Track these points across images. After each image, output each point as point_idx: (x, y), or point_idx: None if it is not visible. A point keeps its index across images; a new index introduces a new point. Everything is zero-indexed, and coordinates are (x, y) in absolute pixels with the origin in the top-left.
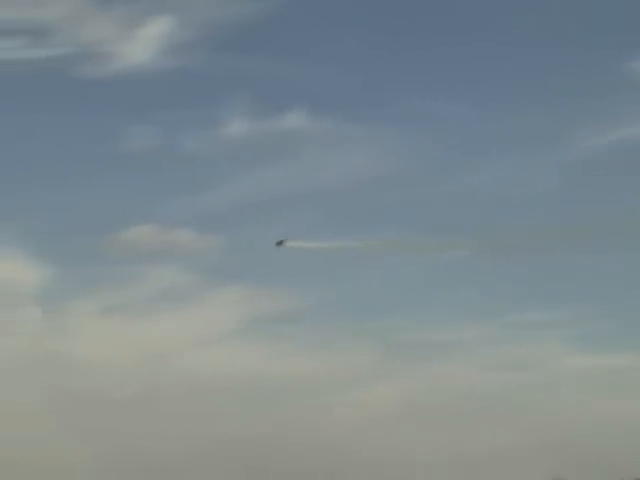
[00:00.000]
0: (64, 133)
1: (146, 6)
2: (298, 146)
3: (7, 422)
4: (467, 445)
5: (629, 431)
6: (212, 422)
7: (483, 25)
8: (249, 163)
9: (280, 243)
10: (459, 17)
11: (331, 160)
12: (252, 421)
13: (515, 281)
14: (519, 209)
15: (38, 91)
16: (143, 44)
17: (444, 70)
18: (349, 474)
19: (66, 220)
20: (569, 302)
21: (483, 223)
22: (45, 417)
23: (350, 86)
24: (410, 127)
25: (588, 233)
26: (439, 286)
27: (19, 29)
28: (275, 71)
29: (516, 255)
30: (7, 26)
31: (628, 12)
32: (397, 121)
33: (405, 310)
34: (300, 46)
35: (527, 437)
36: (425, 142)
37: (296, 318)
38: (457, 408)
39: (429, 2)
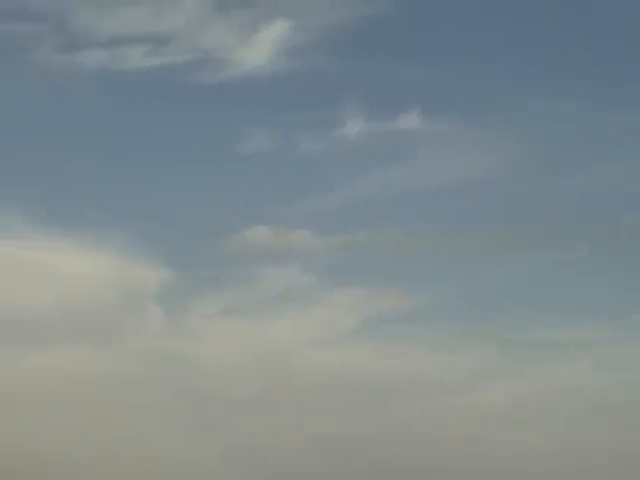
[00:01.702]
0: (184, 137)
1: (262, 11)
2: (413, 147)
3: (129, 421)
4: (580, 450)
5: None
6: (329, 420)
7: (603, 20)
8: (364, 164)
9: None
10: (577, 15)
11: (446, 160)
12: (368, 419)
13: (631, 281)
14: (636, 208)
15: (158, 98)
16: (260, 49)
17: (560, 68)
18: (461, 473)
19: (186, 222)
20: None
21: (600, 222)
22: (168, 415)
23: (465, 86)
24: (526, 126)
25: None
26: (556, 285)
27: (140, 38)
28: (390, 72)
29: (633, 254)
30: (128, 35)
31: None
32: (512, 121)
33: (521, 309)
34: (414, 47)
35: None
36: (541, 141)
37: (412, 318)
38: (574, 410)
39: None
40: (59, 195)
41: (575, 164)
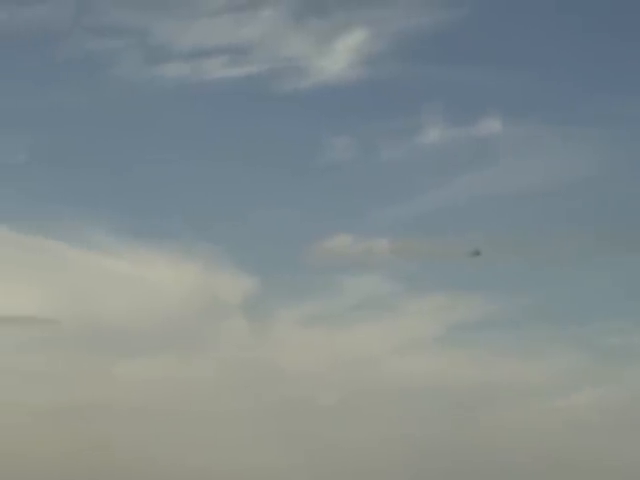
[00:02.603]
0: (265, 148)
1: (340, 19)
2: (494, 152)
3: (216, 429)
4: None
5: None
6: (411, 427)
7: None
8: (445, 171)
9: (476, 254)
10: None
11: (527, 165)
12: (450, 427)
13: None
14: None
15: (238, 109)
16: (338, 57)
17: (630, 66)
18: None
19: (268, 231)
20: None
21: None
22: (254, 423)
23: (544, 90)
24: (607, 127)
25: None
26: (636, 289)
27: (219, 49)
28: (469, 78)
29: None
30: (208, 47)
31: None
32: (592, 122)
33: (609, 314)
34: (493, 52)
35: None
36: (623, 142)
37: (496, 324)
38: None
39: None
40: (144, 207)
41: None
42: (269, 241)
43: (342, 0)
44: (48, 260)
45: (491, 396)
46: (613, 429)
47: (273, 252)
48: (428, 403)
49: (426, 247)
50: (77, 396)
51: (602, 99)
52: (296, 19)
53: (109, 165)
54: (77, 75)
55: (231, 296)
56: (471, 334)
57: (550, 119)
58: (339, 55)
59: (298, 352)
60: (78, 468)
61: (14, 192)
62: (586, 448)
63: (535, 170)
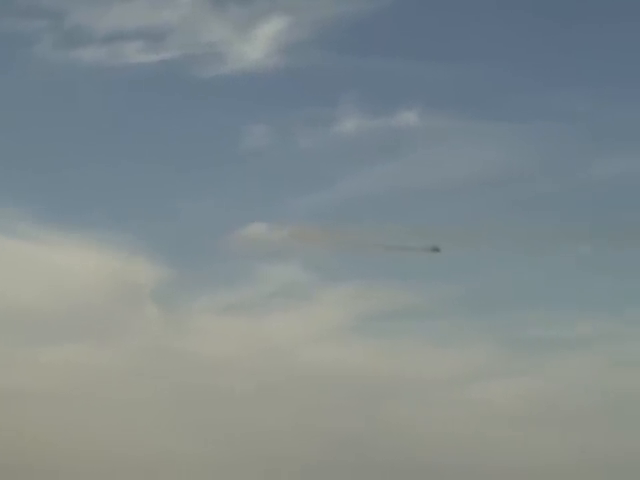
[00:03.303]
0: (182, 134)
1: (260, 7)
2: (410, 143)
3: (130, 416)
4: (586, 445)
5: None
6: (327, 415)
7: (608, 14)
8: (362, 161)
9: (435, 250)
10: (586, 8)
11: (444, 157)
12: (364, 417)
13: (637, 277)
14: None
15: (156, 94)
16: (257, 44)
17: (564, 63)
18: (467, 471)
19: (186, 219)
20: None
21: (604, 219)
22: (168, 411)
23: (462, 83)
24: (526, 123)
25: None
26: (562, 281)
27: (137, 33)
28: (387, 69)
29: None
30: (124, 31)
31: None
32: (511, 117)
33: (525, 306)
34: (412, 44)
35: None
36: (541, 138)
37: (410, 314)
38: (578, 407)
39: None
40: (60, 194)
41: (578, 161)
42: (186, 230)
43: None
44: None
45: (405, 386)
46: (529, 420)
47: (190, 241)
48: (342, 393)
49: (342, 236)
50: None
51: (518, 95)
52: (215, 5)
53: (22, 149)
54: None
55: (147, 284)
56: (386, 324)
57: (467, 112)
58: (258, 42)
59: (214, 340)
60: None
61: None
62: (501, 439)
63: (451, 162)
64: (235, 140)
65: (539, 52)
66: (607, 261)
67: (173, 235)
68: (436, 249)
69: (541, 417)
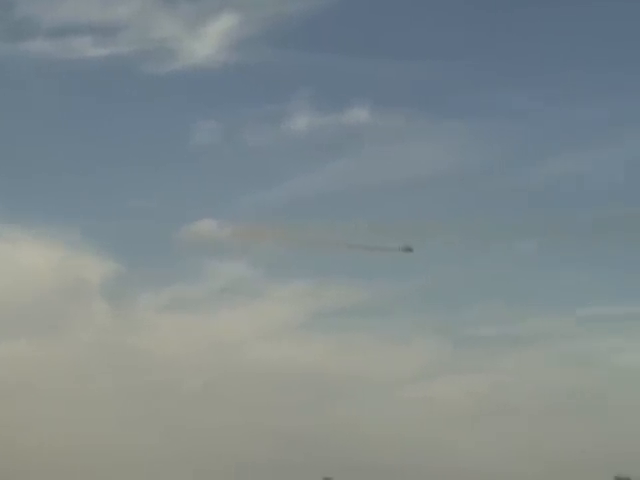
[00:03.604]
0: (131, 129)
1: (210, 4)
2: (361, 141)
3: (76, 413)
4: (532, 442)
5: None
6: (276, 413)
7: (559, 16)
8: (312, 158)
9: (408, 250)
10: (526, 10)
11: (394, 156)
12: (313, 415)
13: (586, 275)
14: (587, 202)
15: (105, 88)
16: (208, 41)
17: (512, 62)
18: (414, 469)
19: (132, 214)
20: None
21: (551, 216)
22: (115, 407)
23: (413, 80)
24: (476, 121)
25: None
26: (509, 279)
27: (87, 27)
28: (338, 66)
29: (586, 249)
30: (75, 25)
31: None
32: (462, 115)
33: (474, 303)
34: (363, 41)
35: (594, 434)
36: (491, 136)
37: (360, 312)
38: (525, 405)
39: None
40: (7, 190)
41: (527, 160)
42: (136, 226)
43: None
44: None
45: (354, 385)
46: (477, 417)
47: (139, 237)
48: (291, 391)
49: (292, 233)
50: None
51: (468, 93)
52: (166, 1)
53: None
54: None
55: (95, 280)
56: (336, 322)
57: (417, 110)
58: (209, 39)
59: (161, 336)
60: None
61: None
62: (449, 436)
63: (400, 160)
64: (185, 137)
65: (490, 51)
66: (556, 258)
67: (123, 231)
68: (409, 249)
69: (488, 414)
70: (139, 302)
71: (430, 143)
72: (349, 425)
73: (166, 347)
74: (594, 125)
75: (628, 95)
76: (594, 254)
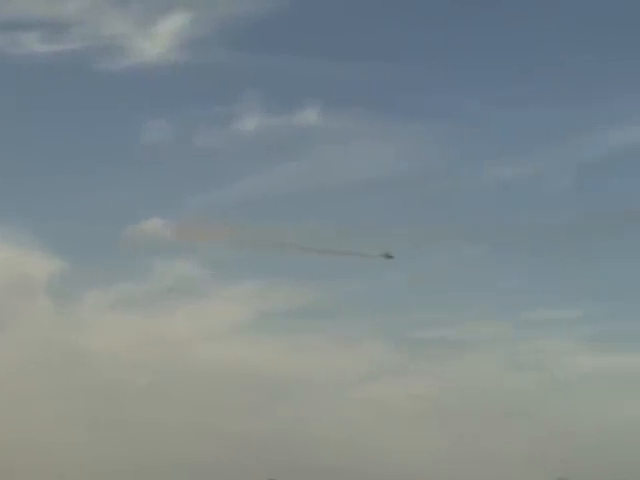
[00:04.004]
0: (79, 126)
1: (161, 2)
2: (311, 143)
3: (17, 409)
4: (476, 444)
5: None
6: (222, 415)
7: (501, 19)
8: (261, 159)
9: (389, 256)
10: (480, 14)
11: (342, 158)
12: (262, 415)
13: (531, 279)
14: (535, 206)
15: (55, 84)
16: (158, 40)
17: (461, 65)
18: (361, 471)
19: (80, 212)
20: (586, 300)
21: (499, 220)
22: (58, 406)
23: (364, 83)
24: (426, 124)
25: (604, 232)
26: (454, 283)
27: (37, 23)
28: (289, 67)
29: (532, 253)
30: (25, 20)
31: None
32: (412, 117)
33: (419, 307)
34: (313, 42)
35: (536, 436)
36: (441, 139)
37: (307, 314)
38: (470, 407)
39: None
40: None
41: (475, 163)
42: (81, 222)
43: None
44: None
45: (303, 386)
46: (421, 418)
47: (86, 235)
48: (240, 391)
49: (241, 234)
50: None
51: (416, 95)
52: None
53: None
54: None
55: (41, 277)
56: (285, 323)
57: (366, 112)
58: (159, 38)
59: (107, 335)
60: None
61: None
62: (394, 437)
63: (349, 162)
64: (134, 135)
65: (442, 54)
66: (501, 263)
67: (69, 229)
68: (389, 256)
69: (433, 416)
70: (85, 300)
71: (380, 145)
72: (295, 426)
73: (112, 346)
74: (544, 130)
75: (579, 100)
76: (539, 259)
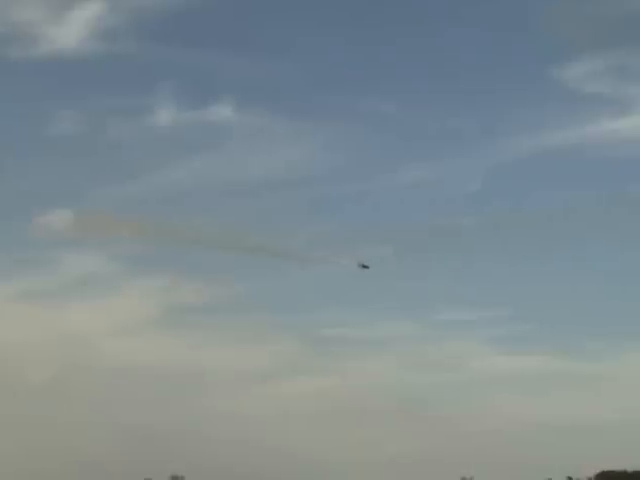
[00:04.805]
0: None
1: None
2: (224, 138)
3: None
4: (380, 444)
5: (541, 432)
6: (127, 408)
7: (414, 25)
8: (173, 153)
9: (364, 267)
10: (391, 15)
11: (256, 155)
12: (166, 411)
13: (436, 280)
14: (442, 209)
15: None
16: (71, 28)
17: (376, 67)
18: (262, 467)
19: None
20: (489, 303)
21: (406, 221)
22: None
23: (280, 81)
24: (339, 124)
25: (509, 235)
26: (361, 283)
27: None
28: (204, 62)
29: (439, 254)
30: None
31: (555, 20)
32: (325, 117)
33: (326, 306)
34: (230, 38)
35: (440, 436)
36: (355, 139)
37: (215, 309)
38: (374, 406)
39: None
40: None
41: (383, 164)
42: None
43: None
44: None
45: (207, 381)
46: (325, 417)
47: None
48: (145, 387)
49: (149, 229)
50: None
51: (331, 94)
52: None
53: None
54: None
55: None
56: (192, 318)
57: (280, 110)
58: (73, 26)
59: (9, 327)
60: None
61: None
62: (297, 435)
63: (264, 161)
64: (43, 125)
65: (357, 55)
66: (410, 265)
67: None
68: (365, 266)
69: (337, 414)
70: None
71: (293, 144)
72: (199, 423)
73: (14, 338)
74: (454, 134)
75: (493, 106)
76: (445, 260)
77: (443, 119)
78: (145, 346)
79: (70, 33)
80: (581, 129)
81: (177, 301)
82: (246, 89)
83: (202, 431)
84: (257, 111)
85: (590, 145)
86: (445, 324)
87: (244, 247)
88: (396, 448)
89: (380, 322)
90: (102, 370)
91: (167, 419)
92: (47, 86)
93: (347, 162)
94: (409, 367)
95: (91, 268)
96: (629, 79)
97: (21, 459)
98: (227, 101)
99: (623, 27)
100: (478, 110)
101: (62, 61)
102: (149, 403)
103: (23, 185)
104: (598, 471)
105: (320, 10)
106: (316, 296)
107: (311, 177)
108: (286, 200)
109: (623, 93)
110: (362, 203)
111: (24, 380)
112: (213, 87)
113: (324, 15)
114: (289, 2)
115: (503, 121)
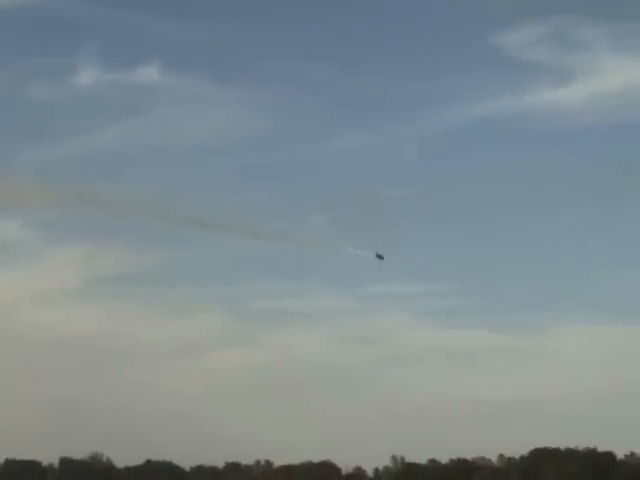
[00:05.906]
0: None
1: None
2: (151, 101)
3: None
4: (313, 416)
5: (475, 409)
6: (48, 380)
7: None
8: (97, 116)
9: (380, 257)
10: None
11: (184, 118)
12: (89, 384)
13: (370, 252)
14: (379, 178)
15: None
16: None
17: (315, 30)
18: (192, 442)
19: None
20: (424, 275)
21: (342, 190)
22: None
23: (211, 44)
24: (273, 87)
25: (445, 205)
26: (292, 254)
27: None
28: (131, 22)
29: (374, 225)
30: None
31: None
32: (257, 81)
33: (256, 277)
34: None
35: (371, 411)
36: (290, 104)
37: (139, 279)
38: (305, 379)
39: None
40: None
41: (318, 130)
42: None
43: None
44: None
45: (131, 353)
46: (256, 391)
47: None
48: (66, 358)
49: (69, 195)
50: None
51: (274, 59)
52: None
53: None
54: None
55: None
56: (116, 288)
57: (208, 73)
58: None
59: None
60: None
61: None
62: (226, 409)
63: (192, 124)
64: None
65: (292, 18)
66: (344, 233)
67: None
68: (380, 257)
69: (264, 387)
70: None
71: (221, 109)
72: (123, 395)
73: None
74: (391, 102)
75: (432, 72)
76: (382, 231)
77: (381, 86)
78: (65, 317)
79: None
80: (520, 98)
81: (98, 271)
82: (174, 51)
83: (124, 404)
84: (185, 74)
85: (528, 115)
86: (379, 296)
87: (170, 216)
88: (325, 424)
89: (314, 294)
90: (20, 341)
91: (88, 392)
92: None
93: (280, 128)
94: (339, 340)
95: (9, 236)
96: (569, 47)
97: None
98: (154, 63)
99: None
100: (417, 77)
101: None
102: (69, 375)
103: None
104: (532, 448)
105: None
106: (245, 266)
107: (241, 143)
108: (214, 167)
109: (562, 61)
110: (295, 171)
111: None
112: (140, 48)
113: None
114: None
115: (442, 89)
